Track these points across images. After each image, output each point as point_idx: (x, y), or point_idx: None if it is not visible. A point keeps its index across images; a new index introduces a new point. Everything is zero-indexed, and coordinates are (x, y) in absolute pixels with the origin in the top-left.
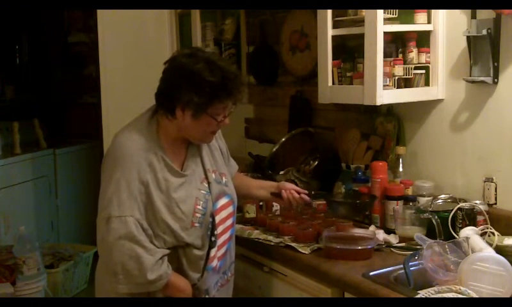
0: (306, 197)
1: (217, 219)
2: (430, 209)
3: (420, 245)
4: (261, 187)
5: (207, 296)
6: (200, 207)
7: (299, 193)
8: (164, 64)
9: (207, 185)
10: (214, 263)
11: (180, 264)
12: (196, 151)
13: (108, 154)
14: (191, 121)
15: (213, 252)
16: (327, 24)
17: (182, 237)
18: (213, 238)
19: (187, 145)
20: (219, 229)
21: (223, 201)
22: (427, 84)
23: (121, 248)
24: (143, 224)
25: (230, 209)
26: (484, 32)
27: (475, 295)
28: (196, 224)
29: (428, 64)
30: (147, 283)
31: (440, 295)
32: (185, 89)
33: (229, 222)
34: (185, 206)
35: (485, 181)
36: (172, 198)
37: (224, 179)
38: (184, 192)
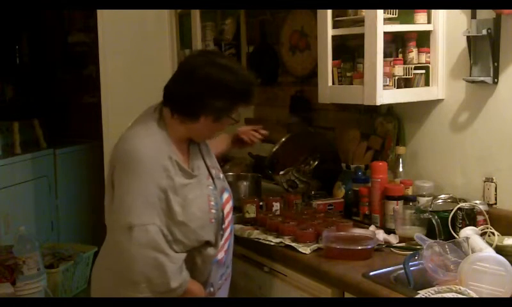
0: (264, 131)
1: (224, 212)
2: (430, 209)
3: (420, 245)
4: (220, 143)
5: (211, 289)
6: (212, 203)
7: (257, 131)
8: (182, 69)
9: (211, 181)
10: (220, 255)
11: (194, 264)
12: (197, 149)
13: (122, 161)
14: (210, 124)
15: (219, 245)
16: (327, 24)
17: (202, 236)
18: (221, 232)
19: (189, 144)
20: (225, 223)
21: (225, 195)
22: (427, 84)
23: (144, 257)
24: (163, 230)
25: (231, 203)
26: (484, 32)
27: (475, 295)
28: (213, 221)
29: (428, 64)
30: (170, 291)
31: (440, 295)
32: (215, 99)
33: (231, 216)
34: (202, 205)
35: (485, 181)
36: (189, 200)
37: (221, 174)
38: (198, 192)
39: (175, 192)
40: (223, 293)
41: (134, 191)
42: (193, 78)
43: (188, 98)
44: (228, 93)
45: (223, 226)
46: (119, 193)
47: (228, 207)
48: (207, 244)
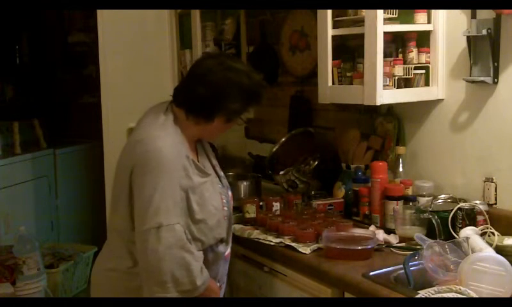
0: None
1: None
2: (430, 209)
3: (420, 245)
4: None
5: (217, 284)
6: (224, 201)
7: None
8: (195, 72)
9: (219, 180)
10: (227, 251)
11: (206, 261)
12: (202, 149)
13: (144, 162)
14: (222, 125)
15: (230, 242)
16: (327, 24)
17: (219, 233)
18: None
19: (195, 143)
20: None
21: (229, 192)
22: (427, 84)
23: (172, 257)
24: (185, 230)
25: (232, 200)
26: (484, 32)
27: (475, 295)
28: (226, 218)
29: (428, 64)
30: (195, 289)
31: (440, 295)
32: (231, 101)
33: (232, 212)
34: (216, 203)
35: (485, 181)
36: (205, 198)
37: (222, 172)
38: (212, 190)
39: (193, 191)
40: (224, 287)
41: (161, 191)
42: (210, 81)
43: (204, 101)
44: (243, 95)
45: (231, 223)
46: (143, 194)
47: (232, 204)
48: (220, 241)
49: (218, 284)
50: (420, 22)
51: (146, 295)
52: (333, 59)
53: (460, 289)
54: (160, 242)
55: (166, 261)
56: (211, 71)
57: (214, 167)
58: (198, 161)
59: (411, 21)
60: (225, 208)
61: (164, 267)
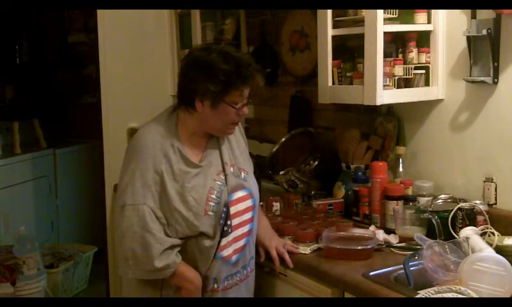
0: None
1: (233, 210)
2: (430, 209)
3: (420, 245)
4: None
5: (215, 285)
6: (213, 196)
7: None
8: (182, 61)
9: (223, 177)
10: (225, 252)
11: (192, 255)
12: (216, 145)
13: (128, 146)
14: (210, 112)
15: (224, 241)
16: (327, 24)
17: (196, 226)
18: (225, 228)
19: (207, 139)
20: (235, 221)
21: (240, 193)
22: (427, 84)
23: (133, 235)
24: (157, 213)
25: (249, 203)
26: (484, 32)
27: (475, 295)
28: (210, 213)
29: (428, 64)
30: (155, 270)
31: (440, 295)
32: (202, 80)
33: (247, 215)
34: (197, 195)
35: (485, 181)
36: (185, 187)
37: (243, 174)
38: (197, 182)
39: (173, 178)
40: (234, 295)
41: (131, 173)
42: (186, 64)
43: (182, 84)
44: (216, 74)
45: (228, 223)
46: (120, 175)
47: (242, 207)
48: (203, 235)
49: (215, 286)
50: (420, 22)
51: (120, 271)
52: (333, 59)
53: (460, 289)
54: (123, 220)
55: (127, 238)
56: (188, 56)
57: (223, 164)
58: (202, 155)
59: (411, 21)
60: (211, 203)
61: (125, 244)
